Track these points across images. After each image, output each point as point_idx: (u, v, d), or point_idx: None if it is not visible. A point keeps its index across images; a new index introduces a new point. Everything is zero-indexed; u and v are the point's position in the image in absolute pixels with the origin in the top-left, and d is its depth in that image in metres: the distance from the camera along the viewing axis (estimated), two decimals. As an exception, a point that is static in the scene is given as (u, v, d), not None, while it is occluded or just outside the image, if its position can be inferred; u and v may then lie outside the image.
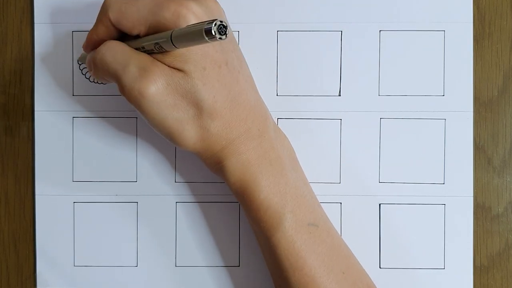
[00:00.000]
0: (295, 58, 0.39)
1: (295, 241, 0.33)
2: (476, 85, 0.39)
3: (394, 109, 0.38)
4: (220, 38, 0.25)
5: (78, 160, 0.39)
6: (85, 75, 0.39)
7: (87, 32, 0.37)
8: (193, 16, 0.29)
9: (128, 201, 0.39)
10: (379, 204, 0.38)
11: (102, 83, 0.39)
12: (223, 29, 0.25)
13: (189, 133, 0.32)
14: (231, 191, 0.34)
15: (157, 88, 0.30)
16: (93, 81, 0.39)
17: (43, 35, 0.39)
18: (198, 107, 0.31)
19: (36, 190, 0.39)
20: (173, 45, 0.28)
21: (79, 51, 0.39)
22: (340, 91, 0.39)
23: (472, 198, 0.38)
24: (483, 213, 0.39)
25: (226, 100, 0.32)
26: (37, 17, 0.39)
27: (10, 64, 0.39)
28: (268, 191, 0.33)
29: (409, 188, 0.38)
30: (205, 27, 0.25)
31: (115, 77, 0.31)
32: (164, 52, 0.30)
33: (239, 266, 0.39)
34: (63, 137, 0.39)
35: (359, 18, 0.38)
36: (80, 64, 0.39)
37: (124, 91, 0.31)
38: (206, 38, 0.25)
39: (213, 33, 0.24)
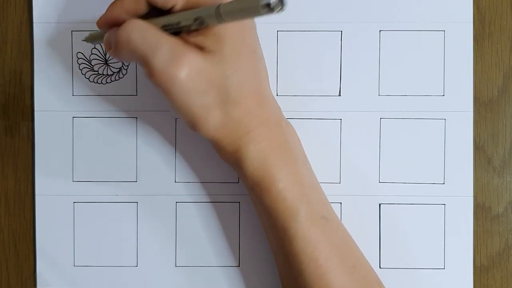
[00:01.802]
0: (295, 58, 0.38)
1: (311, 232, 0.32)
2: (476, 85, 0.39)
3: (394, 109, 0.38)
4: (280, 10, 0.23)
5: (78, 160, 0.39)
6: (82, 70, 0.39)
7: (87, 32, 0.38)
8: None
9: (128, 201, 0.39)
10: (379, 204, 0.38)
11: (102, 74, 0.38)
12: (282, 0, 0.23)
13: (213, 119, 0.31)
14: (246, 182, 0.33)
15: (189, 73, 0.29)
16: (92, 80, 0.39)
17: (43, 35, 0.39)
18: (225, 94, 0.30)
19: (36, 190, 0.39)
20: (222, 18, 0.26)
21: (79, 51, 0.39)
22: (340, 91, 0.39)
23: (472, 198, 0.38)
24: (483, 213, 0.39)
25: (251, 87, 0.31)
26: (36, 17, 0.39)
27: (10, 64, 0.39)
28: (286, 181, 0.32)
29: (409, 188, 0.38)
30: (263, 1, 0.23)
31: (143, 59, 0.30)
32: (197, 30, 0.29)
33: (239, 266, 0.39)
34: (63, 137, 0.39)
35: (359, 18, 0.38)
36: (78, 58, 0.39)
37: (153, 74, 0.29)
38: (262, 12, 0.23)
39: (272, 6, 0.23)
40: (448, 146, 0.38)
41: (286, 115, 0.38)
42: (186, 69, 0.29)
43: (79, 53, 0.39)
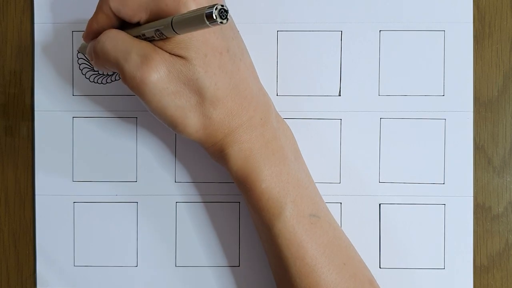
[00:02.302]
0: (295, 58, 0.38)
1: (296, 230, 0.33)
2: (476, 85, 0.39)
3: (394, 109, 0.38)
4: (221, 22, 0.25)
5: (78, 160, 0.39)
6: (82, 70, 0.39)
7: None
8: (193, 2, 0.29)
9: (128, 201, 0.39)
10: (379, 204, 0.38)
11: (102, 74, 0.39)
12: (224, 13, 0.25)
13: (192, 120, 0.32)
14: (233, 180, 0.34)
15: (159, 75, 0.30)
16: (92, 80, 0.39)
17: (43, 35, 0.39)
18: (200, 95, 0.31)
19: (36, 190, 0.39)
20: (174, 31, 0.28)
21: (79, 51, 0.39)
22: (340, 91, 0.39)
23: (472, 198, 0.38)
24: (483, 213, 0.39)
25: (228, 87, 0.32)
26: (37, 17, 0.39)
27: (10, 64, 0.39)
28: (270, 181, 0.33)
29: (409, 188, 0.38)
30: (206, 11, 0.25)
31: (116, 65, 0.31)
32: (165, 39, 0.30)
33: (239, 266, 0.39)
34: (63, 137, 0.39)
35: (359, 18, 0.38)
36: (78, 58, 0.39)
37: (125, 79, 0.31)
38: (207, 23, 0.25)
39: (214, 17, 0.25)
40: (448, 146, 0.38)
41: (286, 115, 0.38)
42: (156, 72, 0.30)
43: (79, 53, 0.39)
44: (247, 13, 0.38)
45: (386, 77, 0.38)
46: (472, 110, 0.38)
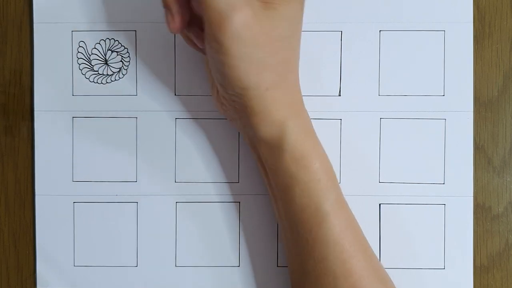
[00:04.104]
0: (295, 58, 0.39)
1: (339, 216, 0.33)
2: (476, 85, 0.39)
3: (394, 109, 0.38)
4: None
5: (78, 160, 0.39)
6: (82, 70, 0.39)
7: (87, 32, 0.38)
8: None
9: (128, 201, 0.39)
10: (379, 204, 0.38)
11: (102, 74, 0.39)
12: None
13: (266, 76, 0.30)
14: (279, 158, 0.32)
15: (246, 20, 0.28)
16: (92, 80, 0.39)
17: (43, 35, 0.39)
18: (281, 54, 0.30)
19: (36, 190, 0.39)
20: None
21: (79, 51, 0.39)
22: (340, 91, 0.39)
23: (472, 198, 0.38)
24: (483, 213, 0.39)
25: (300, 56, 0.32)
26: (37, 17, 0.39)
27: (10, 64, 0.39)
28: (321, 163, 0.33)
29: (409, 188, 0.38)
30: None
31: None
32: None
33: (239, 266, 0.39)
34: (63, 137, 0.39)
35: (359, 18, 0.38)
36: (78, 58, 0.39)
37: (209, 12, 0.28)
38: None
39: None
40: (448, 146, 0.38)
41: (286, 115, 0.38)
42: (244, 15, 0.28)
43: (79, 53, 0.39)
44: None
45: (386, 77, 0.38)
46: (472, 110, 0.38)
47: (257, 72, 0.30)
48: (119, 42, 0.39)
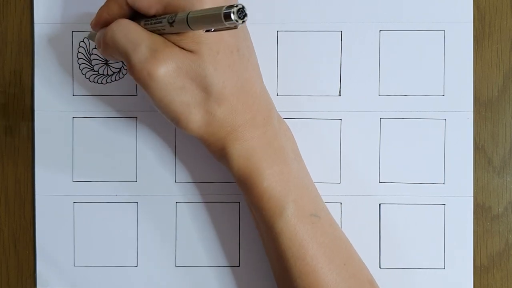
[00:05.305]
0: (295, 58, 0.38)
1: (297, 230, 0.33)
2: (476, 85, 0.39)
3: (394, 109, 0.38)
4: (237, 22, 0.24)
5: (78, 160, 0.39)
6: (82, 70, 0.39)
7: (88, 31, 0.38)
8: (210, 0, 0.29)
9: (128, 201, 0.39)
10: (379, 204, 0.38)
11: (102, 74, 0.39)
12: (242, 14, 0.24)
13: (195, 117, 0.32)
14: (234, 179, 0.34)
15: (167, 70, 0.30)
16: (92, 80, 0.39)
17: (43, 35, 0.39)
18: (206, 92, 0.31)
19: (36, 190, 0.39)
20: (189, 26, 0.28)
21: (80, 51, 0.39)
22: (340, 91, 0.39)
23: (472, 198, 0.38)
24: (483, 213, 0.39)
25: (234, 86, 0.32)
26: (37, 17, 0.39)
27: (10, 64, 0.39)
28: (272, 180, 0.33)
29: (409, 188, 0.38)
30: (224, 11, 0.24)
31: (125, 56, 0.31)
32: (177, 33, 0.30)
33: (239, 266, 0.39)
34: (63, 137, 0.39)
35: (359, 18, 0.38)
36: (78, 58, 0.39)
37: (133, 71, 0.30)
38: (224, 22, 0.25)
39: (232, 18, 0.24)
40: (448, 146, 0.38)
41: (286, 115, 0.38)
42: (164, 66, 0.30)
43: (79, 53, 0.39)
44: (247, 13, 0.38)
45: (386, 77, 0.38)
46: (472, 110, 0.38)
47: (187, 113, 0.32)
48: (119, 42, 0.39)
